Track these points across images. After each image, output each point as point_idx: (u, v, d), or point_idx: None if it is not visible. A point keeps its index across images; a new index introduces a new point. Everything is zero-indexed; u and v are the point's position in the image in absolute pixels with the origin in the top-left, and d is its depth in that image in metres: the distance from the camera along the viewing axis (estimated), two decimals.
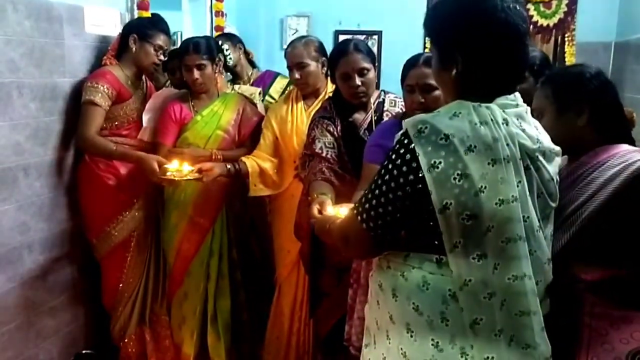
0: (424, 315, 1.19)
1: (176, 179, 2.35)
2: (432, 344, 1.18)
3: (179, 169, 2.34)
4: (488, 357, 1.16)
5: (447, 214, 1.11)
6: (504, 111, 1.18)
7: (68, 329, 2.70)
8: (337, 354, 2.29)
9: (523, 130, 1.20)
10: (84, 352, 2.79)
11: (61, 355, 2.66)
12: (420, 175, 1.11)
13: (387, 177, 1.16)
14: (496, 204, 1.12)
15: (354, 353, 2.07)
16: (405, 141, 1.14)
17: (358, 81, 2.17)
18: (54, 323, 2.60)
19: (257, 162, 2.53)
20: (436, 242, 1.16)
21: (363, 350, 1.41)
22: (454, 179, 1.10)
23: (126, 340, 2.69)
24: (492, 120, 1.14)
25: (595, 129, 1.44)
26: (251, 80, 3.11)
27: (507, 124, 1.16)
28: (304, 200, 2.29)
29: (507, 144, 1.14)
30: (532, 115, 1.30)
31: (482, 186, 1.11)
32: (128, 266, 2.64)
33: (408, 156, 1.13)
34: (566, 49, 4.08)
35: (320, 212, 1.72)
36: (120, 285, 2.64)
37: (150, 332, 2.72)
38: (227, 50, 2.97)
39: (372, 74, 2.21)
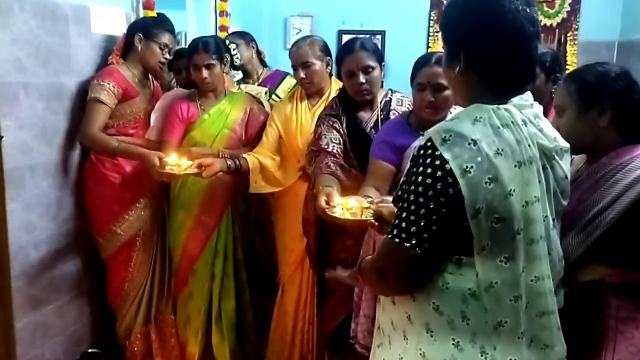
0: (445, 315, 1.18)
1: (175, 172, 2.32)
2: (453, 344, 1.17)
3: (177, 163, 2.32)
4: (510, 359, 1.16)
5: (479, 218, 1.10)
6: (521, 112, 1.17)
7: (74, 327, 2.70)
8: (343, 352, 2.30)
9: (541, 130, 1.20)
10: (89, 350, 2.79)
11: (67, 354, 2.66)
12: (455, 179, 1.08)
13: (420, 188, 1.11)
14: (522, 205, 1.12)
15: (360, 351, 2.07)
16: (430, 151, 1.11)
17: (362, 78, 2.18)
18: (60, 322, 2.60)
19: (258, 158, 2.53)
20: (457, 244, 1.15)
21: (375, 350, 1.39)
22: (486, 183, 1.08)
23: (132, 339, 2.70)
24: (512, 122, 1.14)
25: (618, 129, 1.42)
26: (260, 79, 3.11)
27: (526, 125, 1.16)
28: (310, 195, 2.28)
29: (529, 145, 1.14)
30: (549, 113, 1.29)
31: (511, 189, 1.10)
32: (134, 265, 2.64)
33: (438, 162, 1.09)
34: (567, 49, 4.09)
35: (327, 202, 1.71)
36: (126, 284, 2.64)
37: (155, 331, 2.73)
38: (234, 49, 2.98)
39: (377, 72, 2.21)
